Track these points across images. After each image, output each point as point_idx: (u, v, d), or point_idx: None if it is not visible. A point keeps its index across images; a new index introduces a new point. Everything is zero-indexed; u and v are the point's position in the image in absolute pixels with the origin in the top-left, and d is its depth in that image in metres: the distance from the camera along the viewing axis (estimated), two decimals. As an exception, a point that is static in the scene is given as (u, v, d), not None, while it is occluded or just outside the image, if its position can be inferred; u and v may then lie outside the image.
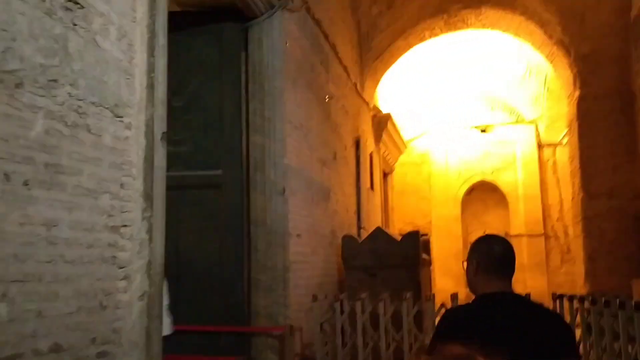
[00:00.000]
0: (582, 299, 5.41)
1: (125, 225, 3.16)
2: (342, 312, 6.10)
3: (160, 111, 3.45)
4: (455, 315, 2.06)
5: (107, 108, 3.07)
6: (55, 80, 2.71)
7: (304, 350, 6.27)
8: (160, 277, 3.39)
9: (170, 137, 5.66)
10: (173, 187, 5.65)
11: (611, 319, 4.60)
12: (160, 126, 3.45)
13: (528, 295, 2.38)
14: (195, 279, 5.49)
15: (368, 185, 11.37)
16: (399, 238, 8.21)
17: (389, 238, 8.08)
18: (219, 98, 5.68)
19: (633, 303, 4.47)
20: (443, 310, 2.45)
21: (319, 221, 7.49)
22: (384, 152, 13.31)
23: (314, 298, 5.97)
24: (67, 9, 2.82)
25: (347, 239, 8.16)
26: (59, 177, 2.73)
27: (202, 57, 5.71)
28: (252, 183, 5.68)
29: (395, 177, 15.42)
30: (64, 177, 2.77)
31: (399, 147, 14.53)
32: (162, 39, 3.47)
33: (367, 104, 11.64)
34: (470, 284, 2.07)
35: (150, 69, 3.39)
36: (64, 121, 2.76)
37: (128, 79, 3.25)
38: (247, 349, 5.50)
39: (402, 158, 15.37)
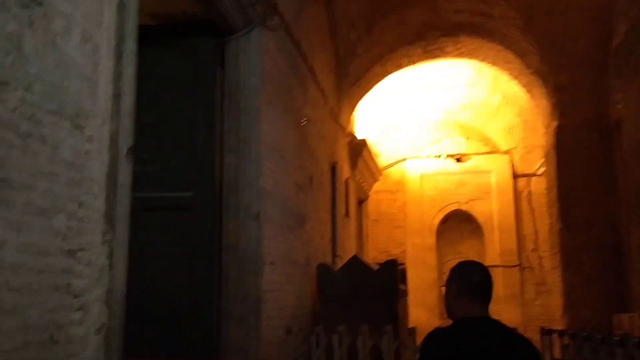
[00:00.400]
0: (574, 335, 5.18)
1: (82, 249, 2.82)
2: (317, 345, 5.76)
3: (127, 124, 3.14)
4: (438, 338, 2.08)
5: (66, 118, 2.74)
6: (6, 83, 2.39)
7: (275, 385, 5.89)
8: (121, 308, 3.03)
9: (138, 156, 5.33)
10: (140, 209, 5.29)
11: (608, 357, 4.38)
12: (126, 140, 3.13)
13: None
14: (161, 309, 5.10)
15: (343, 212, 11.10)
16: (375, 267, 7.93)
17: (365, 267, 7.79)
18: (192, 116, 5.38)
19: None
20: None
21: (293, 248, 7.17)
22: (359, 179, 13.08)
23: (288, 330, 5.63)
24: (24, 5, 2.51)
25: (323, 268, 7.86)
26: (7, 193, 2.39)
27: (175, 73, 5.42)
28: (225, 206, 5.36)
29: (370, 205, 15.19)
30: (12, 193, 2.42)
31: (374, 174, 14.33)
32: (131, 45, 3.18)
33: (344, 129, 11.44)
34: (449, 308, 2.14)
35: (117, 77, 3.09)
36: (15, 130, 2.43)
37: (91, 86, 2.93)
38: (216, 385, 5.12)
39: (377, 185, 15.17)
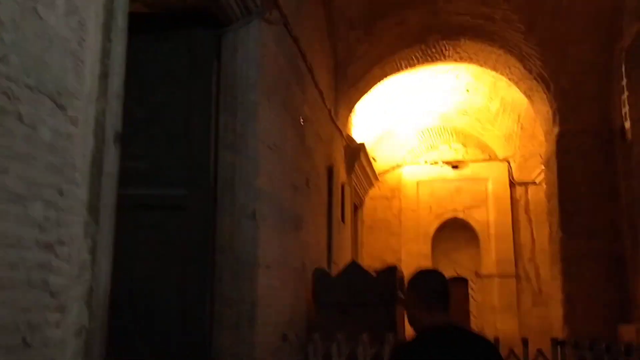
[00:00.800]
0: (592, 346, 4.92)
1: (61, 243, 2.53)
2: (314, 354, 5.47)
3: (115, 107, 2.87)
4: (407, 351, 2.12)
5: (46, 95, 2.46)
6: (-24, 51, 2.11)
7: (269, 396, 5.59)
8: (104, 309, 2.74)
9: (129, 151, 5.04)
10: (130, 207, 5.01)
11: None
12: (113, 124, 2.85)
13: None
14: (150, 314, 4.81)
15: (339, 217, 10.82)
16: (374, 273, 7.65)
17: (364, 273, 7.51)
18: (186, 110, 5.09)
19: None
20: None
21: (289, 252, 6.88)
22: (355, 184, 12.82)
23: (284, 337, 5.34)
24: (1, -34, 2.24)
25: (320, 273, 7.57)
26: (-25, 175, 2.12)
27: (169, 64, 5.14)
28: (220, 205, 5.07)
29: (366, 211, 14.93)
30: (-19, 176, 2.15)
31: (371, 179, 14.07)
32: (121, 22, 2.91)
33: (341, 132, 11.18)
34: (411, 318, 2.18)
35: (105, 55, 2.81)
36: (-14, 104, 2.16)
37: (76, 63, 2.65)
38: (207, 394, 4.81)
39: (373, 192, 14.92)
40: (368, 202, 14.98)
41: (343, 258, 10.50)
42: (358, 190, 13.34)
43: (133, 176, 5.00)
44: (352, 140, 12.23)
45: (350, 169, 12.17)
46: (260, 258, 5.41)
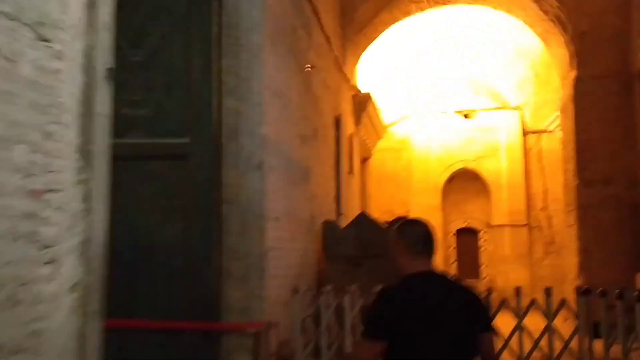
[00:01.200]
0: (621, 295, 4.69)
1: (51, 190, 2.28)
2: (327, 306, 5.30)
3: (105, 40, 2.58)
4: (391, 295, 2.15)
5: (26, 24, 2.18)
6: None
7: (280, 349, 5.45)
8: (100, 262, 2.53)
9: (127, 98, 4.81)
10: (130, 157, 4.78)
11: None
12: (104, 59, 2.57)
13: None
14: (155, 268, 4.62)
15: (347, 169, 10.58)
16: (384, 225, 7.44)
17: (374, 224, 7.31)
18: (186, 52, 4.79)
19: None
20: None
21: (298, 204, 6.67)
22: (363, 135, 12.52)
23: (295, 290, 5.16)
24: None
25: (329, 225, 7.38)
26: (-54, 114, 1.86)
27: (167, 4, 4.81)
28: (225, 154, 4.82)
29: (374, 163, 14.67)
30: (-46, 115, 1.90)
31: (379, 131, 13.76)
32: (108, -55, 2.60)
33: (348, 81, 10.83)
34: (398, 265, 2.24)
35: (92, -19, 2.51)
36: (-46, 33, 1.88)
37: (59, -11, 2.36)
38: (216, 349, 4.65)
39: (381, 143, 14.62)
40: (376, 154, 14.70)
41: (351, 210, 10.30)
42: (366, 142, 13.05)
43: (132, 124, 4.77)
44: (359, 90, 11.88)
45: (358, 119, 11.86)
46: (268, 210, 5.19)
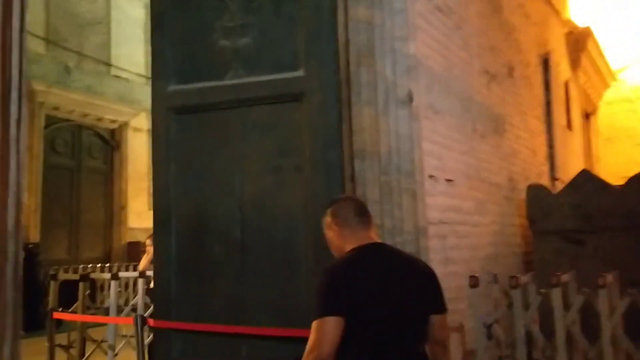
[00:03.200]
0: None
1: None
2: (525, 305, 3.54)
3: None
4: (338, 270, 1.97)
5: None
6: None
7: (466, 361, 3.84)
8: None
9: (224, 24, 3.61)
10: (230, 102, 3.56)
11: None
12: None
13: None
14: (267, 250, 3.34)
15: (564, 122, 8.37)
16: (617, 186, 5.34)
17: (602, 186, 5.25)
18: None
19: None
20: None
21: (486, 163, 4.93)
22: (583, 83, 10.05)
23: (473, 281, 3.48)
24: None
25: (536, 190, 5.52)
26: None
27: None
28: (355, 87, 3.33)
29: (601, 119, 11.94)
30: None
31: (605, 77, 11.07)
32: None
33: (558, 13, 8.57)
34: (338, 248, 2.08)
35: None
36: None
37: None
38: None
39: (609, 94, 11.83)
40: (604, 108, 11.96)
41: (571, 174, 8.11)
42: (588, 91, 10.52)
43: (229, 60, 3.53)
44: (574, 25, 9.48)
45: (575, 63, 9.48)
46: (430, 166, 3.63)
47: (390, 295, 1.88)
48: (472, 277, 3.45)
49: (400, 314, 1.87)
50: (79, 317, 4.42)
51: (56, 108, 11.65)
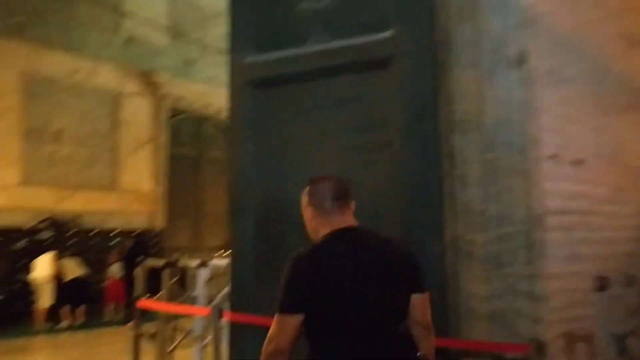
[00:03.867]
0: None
1: None
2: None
3: None
4: (304, 261, 1.84)
5: None
6: None
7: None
8: None
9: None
10: (310, 73, 3.17)
11: None
12: None
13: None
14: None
15: None
16: None
17: None
18: None
19: None
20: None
21: (625, 142, 4.14)
22: None
23: (601, 283, 2.82)
24: None
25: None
26: None
27: None
28: (454, 48, 2.81)
29: None
30: None
31: None
32: None
33: None
34: (312, 231, 1.98)
35: None
36: None
37: None
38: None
39: None
40: None
41: None
42: None
43: (310, 24, 3.13)
44: None
45: None
46: (549, 142, 3.01)
47: (360, 281, 1.80)
48: (600, 278, 2.80)
49: (373, 299, 1.81)
50: (160, 306, 4.27)
51: (180, 99, 11.97)
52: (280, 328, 1.78)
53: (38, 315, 9.13)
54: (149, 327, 4.49)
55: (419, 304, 1.90)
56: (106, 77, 11.20)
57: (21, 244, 9.85)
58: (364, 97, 2.95)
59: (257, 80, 3.20)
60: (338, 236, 1.88)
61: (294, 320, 1.77)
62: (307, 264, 1.84)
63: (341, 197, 1.95)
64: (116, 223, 11.04)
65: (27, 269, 9.26)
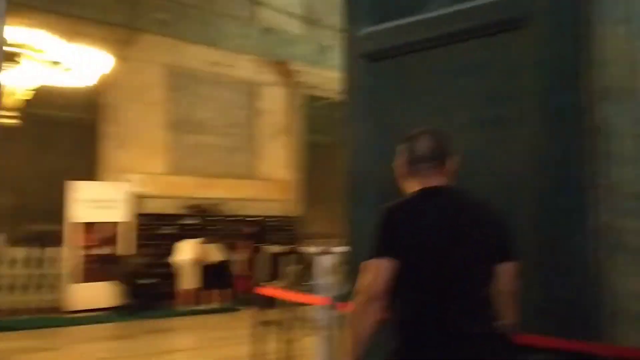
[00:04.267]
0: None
1: None
2: None
3: None
4: (396, 213, 1.83)
5: None
6: None
7: None
8: None
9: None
10: (431, 40, 2.86)
11: None
12: None
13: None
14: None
15: None
16: None
17: None
18: None
19: None
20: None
21: None
22: None
23: None
24: None
25: None
26: None
27: None
28: (600, 1, 2.37)
29: None
30: None
31: None
32: None
33: None
34: (403, 184, 1.96)
35: None
36: None
37: None
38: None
39: None
40: None
41: None
42: None
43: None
44: None
45: None
46: None
47: (450, 239, 1.76)
48: None
49: (462, 259, 1.76)
50: (279, 294, 4.18)
51: (313, 87, 12.01)
52: (375, 273, 1.73)
53: (182, 297, 9.63)
54: (272, 314, 4.46)
55: (507, 271, 1.83)
56: (244, 68, 11.52)
57: (169, 229, 10.44)
58: (493, 64, 2.60)
59: (374, 53, 2.95)
60: (429, 194, 1.83)
61: (390, 264, 1.73)
62: (401, 212, 1.82)
63: (436, 156, 1.87)
64: (255, 210, 11.34)
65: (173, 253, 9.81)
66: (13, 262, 9.16)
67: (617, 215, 2.27)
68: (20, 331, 7.69)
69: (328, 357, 3.88)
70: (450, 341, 1.72)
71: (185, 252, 9.68)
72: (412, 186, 1.89)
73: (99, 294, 9.10)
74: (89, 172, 10.12)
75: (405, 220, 1.80)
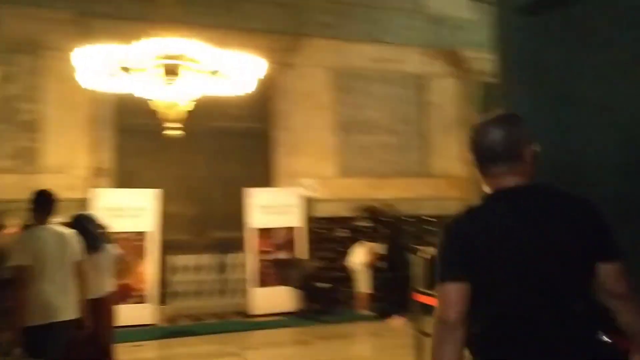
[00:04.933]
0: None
1: None
2: None
3: None
4: (460, 227, 1.65)
5: None
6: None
7: None
8: None
9: None
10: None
11: None
12: None
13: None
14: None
15: None
16: None
17: None
18: None
19: None
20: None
21: None
22: None
23: None
24: None
25: None
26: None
27: None
28: None
29: None
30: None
31: None
32: None
33: None
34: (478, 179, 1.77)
35: None
36: None
37: None
38: None
39: None
40: None
41: None
42: None
43: None
44: None
45: None
46: None
47: (531, 248, 1.51)
48: None
49: (546, 270, 1.51)
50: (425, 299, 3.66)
51: (488, 74, 11.14)
52: (444, 301, 1.55)
53: (358, 301, 9.37)
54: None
55: (609, 273, 1.58)
56: (410, 61, 11.03)
57: (342, 232, 10.27)
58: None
59: (530, 6, 2.33)
60: (502, 197, 1.61)
61: (458, 287, 1.54)
62: (468, 225, 1.62)
63: (507, 151, 1.60)
64: (430, 210, 10.75)
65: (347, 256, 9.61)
66: (198, 269, 9.61)
67: None
68: (204, 336, 7.97)
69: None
70: None
71: (357, 255, 9.43)
72: (486, 187, 1.66)
73: (277, 298, 9.18)
74: (264, 179, 10.33)
75: (475, 232, 1.58)
